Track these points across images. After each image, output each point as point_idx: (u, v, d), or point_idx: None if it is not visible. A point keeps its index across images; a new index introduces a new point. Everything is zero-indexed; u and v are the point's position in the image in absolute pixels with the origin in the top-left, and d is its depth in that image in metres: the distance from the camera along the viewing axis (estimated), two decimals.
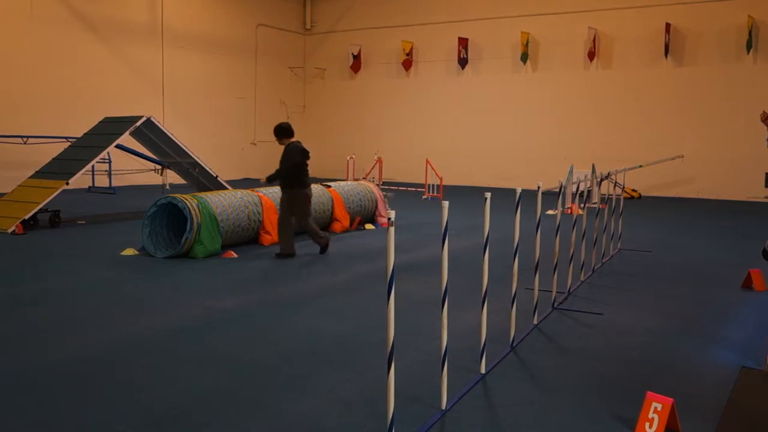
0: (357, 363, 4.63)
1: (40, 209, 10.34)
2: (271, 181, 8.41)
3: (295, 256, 8.51)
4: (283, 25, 24.13)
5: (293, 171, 8.31)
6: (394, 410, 3.25)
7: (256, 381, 4.25)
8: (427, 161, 17.59)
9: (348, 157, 19.13)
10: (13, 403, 3.83)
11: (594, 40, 19.37)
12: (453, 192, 17.55)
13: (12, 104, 15.95)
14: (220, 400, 3.94)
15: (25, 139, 15.18)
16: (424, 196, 17.27)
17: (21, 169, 12.94)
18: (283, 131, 8.45)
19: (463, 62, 21.73)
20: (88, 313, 5.80)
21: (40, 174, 11.24)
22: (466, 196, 16.65)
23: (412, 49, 22.67)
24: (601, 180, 8.81)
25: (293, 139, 8.44)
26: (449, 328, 3.84)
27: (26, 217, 10.08)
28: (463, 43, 21.59)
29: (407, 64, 22.78)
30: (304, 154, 8.39)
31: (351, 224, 11.03)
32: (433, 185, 17.48)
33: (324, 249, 8.81)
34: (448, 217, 3.64)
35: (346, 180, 16.38)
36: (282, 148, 8.45)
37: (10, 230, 9.80)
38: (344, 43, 24.00)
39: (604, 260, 8.46)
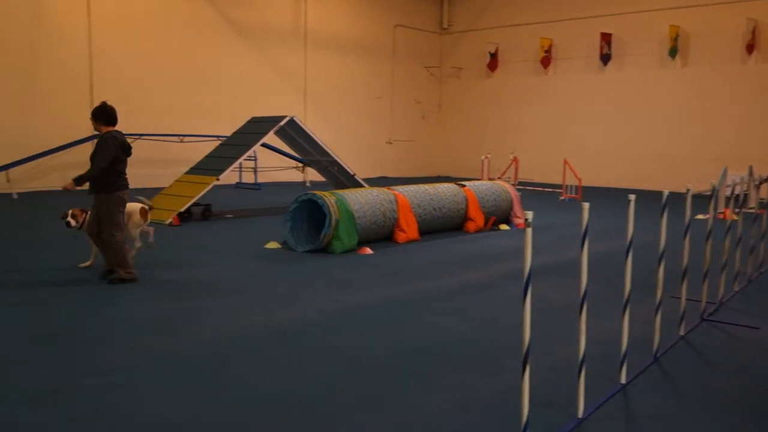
0: (488, 364, 4.59)
1: (194, 203, 11.11)
2: (79, 182, 6.57)
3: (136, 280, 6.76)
4: (420, 25, 24.34)
5: (109, 169, 6.56)
6: (528, 415, 3.19)
7: (383, 378, 4.32)
8: (565, 161, 17.07)
9: (483, 157, 18.97)
10: (159, 382, 4.16)
11: (753, 32, 17.89)
12: (592, 193, 16.91)
13: (170, 106, 17.27)
14: (346, 394, 4.03)
15: (181, 138, 16.38)
16: (562, 197, 16.77)
17: (178, 166, 13.97)
18: (102, 115, 6.68)
19: (605, 58, 20.86)
20: (230, 300, 6.17)
21: (194, 170, 12.09)
22: (607, 197, 15.98)
23: (551, 46, 22.07)
24: (760, 183, 8.14)
25: (114, 128, 6.72)
26: (587, 334, 3.71)
27: (181, 210, 10.87)
28: (606, 38, 20.72)
29: (546, 62, 22.21)
30: (125, 147, 6.66)
31: (485, 224, 10.93)
32: (571, 186, 16.94)
33: (116, 280, 6.59)
34: (588, 219, 3.51)
35: (481, 179, 16.25)
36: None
37: (167, 222, 10.62)
38: (481, 42, 23.81)
39: (762, 270, 7.82)
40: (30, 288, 6.43)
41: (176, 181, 12.02)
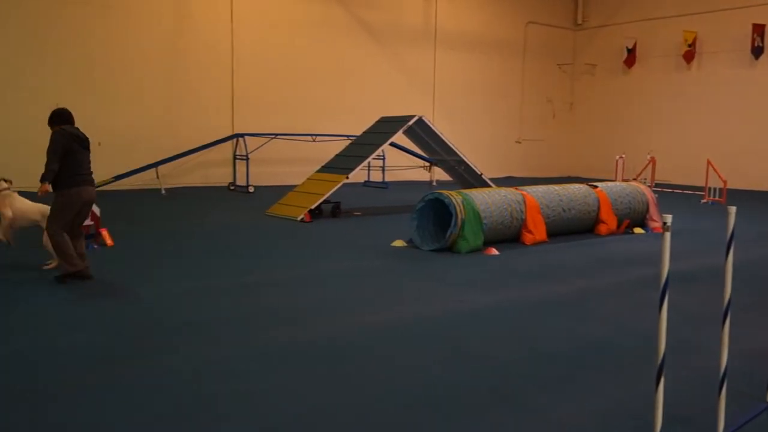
0: (619, 372, 4.40)
1: (324, 200, 11.48)
2: (45, 181, 6.42)
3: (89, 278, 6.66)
4: (553, 21, 23.71)
5: (62, 162, 6.43)
6: (662, 429, 3.03)
7: (510, 381, 4.25)
8: (709, 162, 15.99)
9: (617, 157, 18.17)
10: (283, 372, 4.33)
11: None
12: (738, 197, 15.74)
13: (304, 107, 17.94)
14: (472, 397, 4.00)
15: (313, 138, 16.97)
16: (704, 201, 15.74)
17: (310, 164, 14.48)
18: (55, 118, 6.63)
19: (757, 51, 19.32)
20: (354, 296, 6.30)
21: (325, 169, 12.48)
22: (754, 201, 14.82)
23: (695, 39, 20.75)
24: None
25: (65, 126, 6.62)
26: (729, 347, 3.47)
27: (312, 207, 11.26)
28: (759, 30, 19.18)
29: (689, 56, 20.90)
30: (78, 140, 6.56)
31: (618, 227, 10.47)
32: (714, 189, 15.85)
33: (65, 277, 6.52)
34: (734, 224, 3.28)
35: (615, 180, 15.58)
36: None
37: (299, 218, 11.04)
38: (618, 37, 22.81)
39: None
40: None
41: (308, 179, 12.47)
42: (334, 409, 3.75)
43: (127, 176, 14.75)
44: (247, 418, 3.61)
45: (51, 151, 6.39)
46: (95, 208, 8.57)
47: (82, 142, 6.63)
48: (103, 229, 8.58)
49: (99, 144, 14.97)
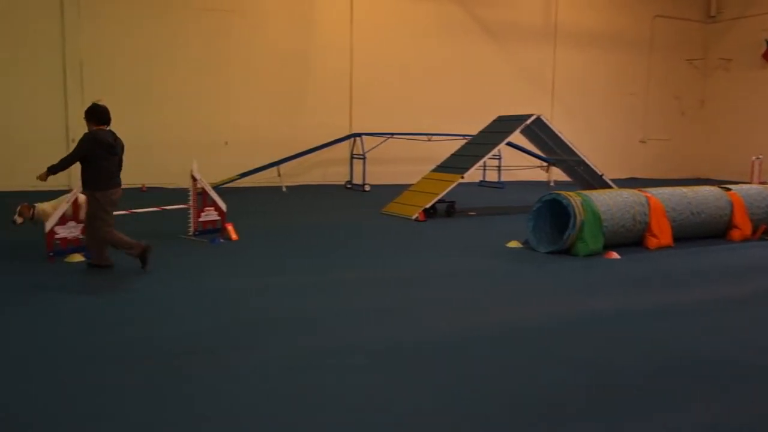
0: (747, 391, 4.10)
1: (439, 200, 11.48)
2: (50, 171, 6.76)
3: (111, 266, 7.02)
4: (683, 14, 22.44)
5: (83, 164, 6.79)
6: None
7: (623, 391, 4.08)
8: None
9: (753, 158, 16.96)
10: (394, 368, 4.36)
11: None
12: None
13: (420, 106, 18.03)
14: (581, 404, 3.88)
15: (429, 137, 17.01)
16: None
17: (425, 164, 14.52)
18: (92, 114, 6.89)
19: None
20: (465, 296, 6.26)
21: (440, 168, 12.48)
22: None
23: None
24: None
25: (103, 127, 6.89)
26: None
27: (427, 206, 11.30)
28: None
29: None
30: (107, 146, 6.77)
31: (753, 233, 9.77)
32: None
33: (143, 259, 6.90)
34: None
35: (751, 183, 14.57)
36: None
37: (413, 217, 11.11)
38: (755, 30, 21.23)
39: None
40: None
41: (423, 178, 12.52)
42: (437, 412, 3.75)
43: (251, 174, 15.44)
44: (345, 416, 3.68)
45: (73, 154, 6.76)
46: (221, 204, 9.05)
47: (111, 149, 6.83)
48: (229, 224, 9.03)
49: (226, 143, 15.88)
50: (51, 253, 7.28)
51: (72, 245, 7.47)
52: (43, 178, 6.77)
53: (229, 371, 4.21)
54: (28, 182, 13.86)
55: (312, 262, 7.66)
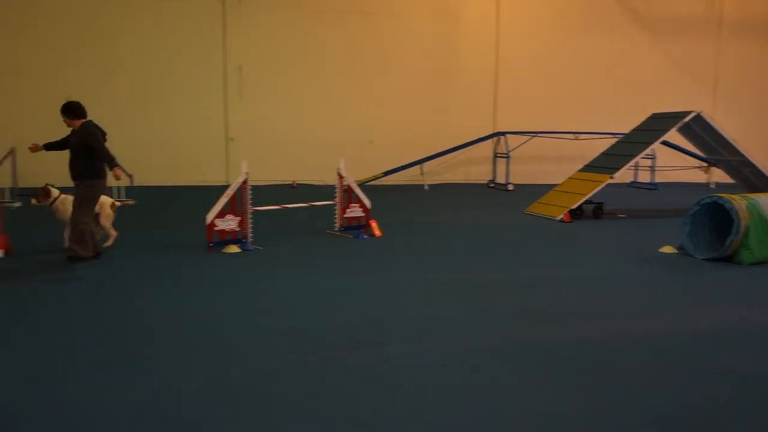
0: None
1: (586, 200, 11.06)
2: (113, 165, 7.23)
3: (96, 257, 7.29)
4: None
5: (84, 154, 7.14)
6: None
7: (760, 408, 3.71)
8: None
9: None
10: (523, 373, 4.24)
11: None
12: None
13: (567, 103, 17.45)
14: (738, 421, 3.57)
15: (576, 136, 16.42)
16: None
17: (572, 163, 14.05)
18: (72, 109, 7.21)
19: None
20: (613, 301, 5.96)
21: (588, 168, 12.01)
22: None
23: None
24: None
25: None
26: None
27: (573, 207, 10.92)
28: None
29: None
30: (102, 134, 7.27)
31: None
32: None
33: (73, 257, 7.13)
34: None
35: None
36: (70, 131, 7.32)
37: (558, 218, 10.78)
38: None
39: None
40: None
41: (569, 178, 12.11)
42: (580, 419, 3.60)
43: (395, 172, 15.70)
44: (490, 419, 3.63)
45: (99, 142, 7.11)
46: (366, 201, 9.28)
47: (104, 136, 7.29)
48: (373, 221, 9.24)
49: (371, 142, 16.27)
50: (210, 244, 7.81)
51: (229, 236, 7.97)
52: (117, 175, 7.38)
53: (387, 362, 4.30)
54: (188, 178, 15.08)
55: (453, 260, 7.65)
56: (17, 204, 11.06)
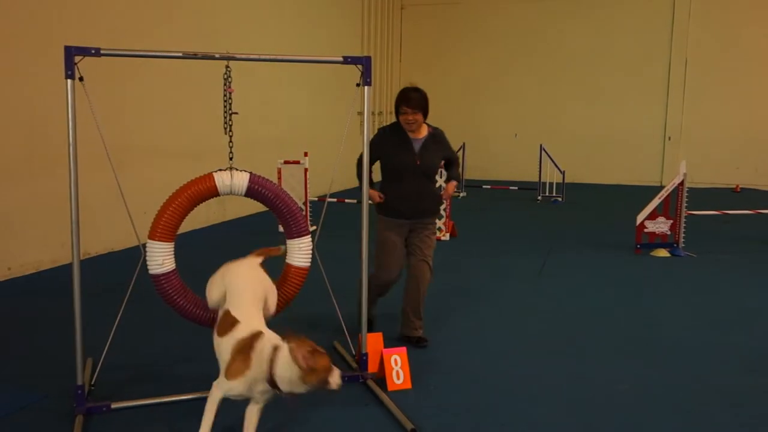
0: None
1: None
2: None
3: None
4: None
5: None
6: None
7: None
8: None
9: None
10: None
11: None
12: None
13: None
14: None
15: None
16: None
17: None
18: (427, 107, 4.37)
19: None
20: None
21: None
22: None
23: None
24: None
25: None
26: None
27: None
28: None
29: None
30: None
31: None
32: None
33: None
34: None
35: None
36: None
37: None
38: None
39: None
40: None
41: None
42: None
43: None
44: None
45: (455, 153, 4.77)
46: None
47: None
48: None
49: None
50: (638, 246, 7.60)
51: (659, 240, 7.63)
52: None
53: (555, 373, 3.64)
54: (621, 177, 14.89)
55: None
56: (463, 194, 12.43)
